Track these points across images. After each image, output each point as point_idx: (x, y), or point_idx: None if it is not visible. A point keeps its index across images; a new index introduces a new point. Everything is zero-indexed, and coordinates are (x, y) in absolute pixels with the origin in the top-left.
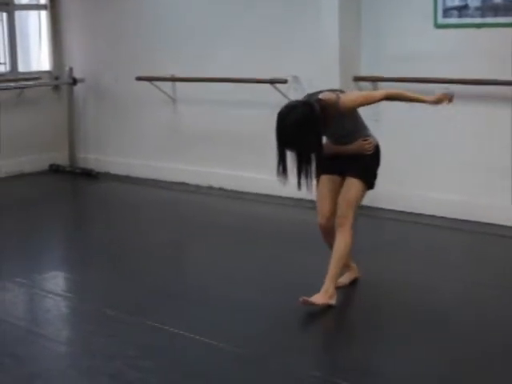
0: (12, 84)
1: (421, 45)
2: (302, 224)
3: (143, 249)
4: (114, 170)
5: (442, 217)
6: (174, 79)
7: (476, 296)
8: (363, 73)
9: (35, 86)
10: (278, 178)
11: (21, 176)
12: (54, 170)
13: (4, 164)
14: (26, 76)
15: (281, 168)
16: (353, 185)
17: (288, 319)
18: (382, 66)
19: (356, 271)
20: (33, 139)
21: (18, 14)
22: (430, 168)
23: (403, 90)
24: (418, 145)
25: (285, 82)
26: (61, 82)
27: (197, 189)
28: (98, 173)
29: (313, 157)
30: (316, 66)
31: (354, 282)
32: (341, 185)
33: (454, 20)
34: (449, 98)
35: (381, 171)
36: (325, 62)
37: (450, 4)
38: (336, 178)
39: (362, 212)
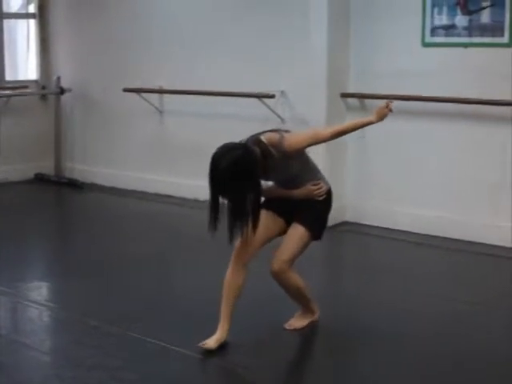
0: None
1: (408, 63)
2: None
3: (128, 260)
4: (99, 181)
5: (426, 234)
6: (161, 91)
7: (449, 312)
8: (351, 89)
9: (22, 95)
10: (208, 229)
11: (5, 184)
12: (40, 179)
13: None
14: (13, 85)
15: (212, 218)
16: (297, 233)
17: (275, 331)
18: (370, 82)
19: (315, 313)
20: (19, 148)
21: (6, 22)
22: (414, 184)
23: (348, 123)
24: (403, 161)
25: (272, 96)
26: (48, 91)
27: (183, 201)
28: (84, 183)
29: (249, 207)
30: (304, 82)
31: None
32: (280, 229)
33: (441, 39)
34: (388, 108)
35: (366, 187)
36: (313, 78)
37: (437, 23)
38: (277, 219)
39: (348, 228)
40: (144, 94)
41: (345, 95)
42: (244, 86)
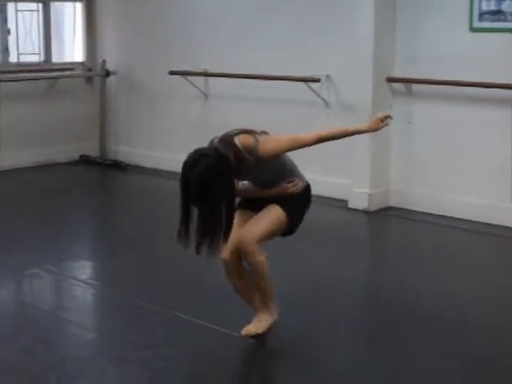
0: (46, 74)
1: (455, 48)
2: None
3: (171, 241)
4: (143, 163)
5: (471, 220)
6: (206, 74)
7: (504, 300)
8: (397, 74)
9: (68, 76)
10: (178, 240)
11: (52, 165)
12: (85, 160)
13: (35, 153)
14: (60, 67)
15: (183, 229)
16: (272, 209)
17: (314, 311)
18: (416, 67)
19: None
20: (64, 129)
21: (53, 5)
22: (460, 170)
23: (336, 128)
24: (449, 147)
25: (318, 80)
26: (94, 73)
27: None
28: (128, 165)
29: (220, 216)
30: (350, 67)
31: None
32: None
33: (488, 24)
34: (384, 123)
35: (411, 172)
36: (358, 63)
37: (485, 8)
38: (251, 213)
39: (392, 213)
40: (189, 77)
41: (390, 80)
42: (290, 70)
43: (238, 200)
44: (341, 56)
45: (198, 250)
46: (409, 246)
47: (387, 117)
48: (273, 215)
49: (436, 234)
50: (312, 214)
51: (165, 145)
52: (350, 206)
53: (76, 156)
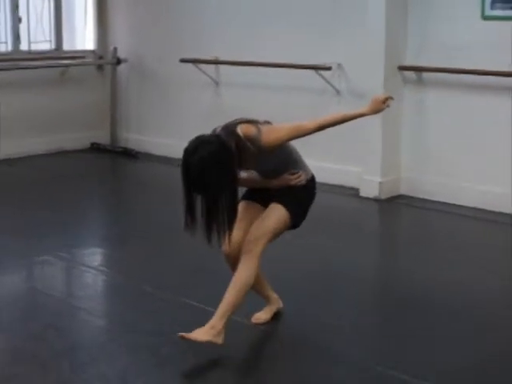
0: (56, 62)
1: (467, 36)
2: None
3: (181, 228)
4: (154, 151)
5: (483, 209)
6: (217, 62)
7: (504, 287)
8: (408, 62)
9: (79, 64)
10: (185, 229)
11: (62, 153)
12: (95, 148)
13: (46, 141)
14: (71, 54)
15: (188, 217)
16: (275, 210)
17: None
18: (428, 55)
19: (277, 301)
20: (75, 117)
21: None
22: (472, 158)
23: (337, 114)
24: (461, 135)
25: (329, 68)
26: (105, 61)
27: None
28: (138, 152)
29: (223, 203)
30: (361, 54)
31: (276, 315)
32: (260, 214)
33: (501, 12)
34: (385, 104)
35: (422, 160)
36: (370, 51)
37: None
38: (256, 205)
39: (403, 201)
40: (200, 65)
41: (402, 68)
42: (301, 58)
43: (243, 191)
44: (352, 44)
45: (208, 239)
46: (419, 234)
47: (388, 98)
48: (278, 216)
49: (447, 223)
50: (323, 202)
51: (175, 132)
52: (362, 194)
53: (87, 144)
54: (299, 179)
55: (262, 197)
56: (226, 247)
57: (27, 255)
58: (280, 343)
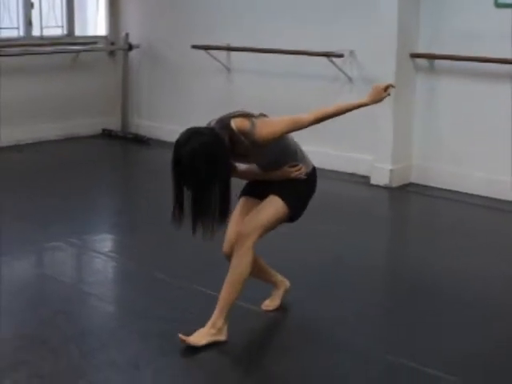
0: (68, 48)
1: (480, 23)
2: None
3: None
4: (165, 137)
5: (493, 198)
6: (229, 48)
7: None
8: (420, 50)
9: (91, 50)
10: (172, 221)
11: (73, 139)
12: (107, 134)
13: (57, 126)
14: (83, 40)
15: (176, 208)
16: (272, 203)
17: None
18: (440, 43)
19: (283, 284)
20: (86, 103)
21: None
22: (483, 147)
23: (336, 105)
24: (472, 123)
25: (341, 56)
26: (116, 47)
27: None
28: (150, 139)
29: (212, 196)
30: (373, 42)
31: (284, 304)
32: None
33: None
34: (386, 92)
35: (433, 148)
36: (382, 38)
37: None
38: (256, 201)
39: (413, 189)
40: (212, 52)
41: (414, 55)
42: (313, 45)
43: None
44: (365, 31)
45: (193, 230)
46: (429, 222)
47: (389, 86)
48: (274, 208)
49: (457, 211)
50: (333, 189)
51: (187, 119)
52: (372, 182)
53: (98, 130)
54: (299, 172)
55: (261, 191)
56: (225, 247)
57: (38, 241)
58: (287, 332)
